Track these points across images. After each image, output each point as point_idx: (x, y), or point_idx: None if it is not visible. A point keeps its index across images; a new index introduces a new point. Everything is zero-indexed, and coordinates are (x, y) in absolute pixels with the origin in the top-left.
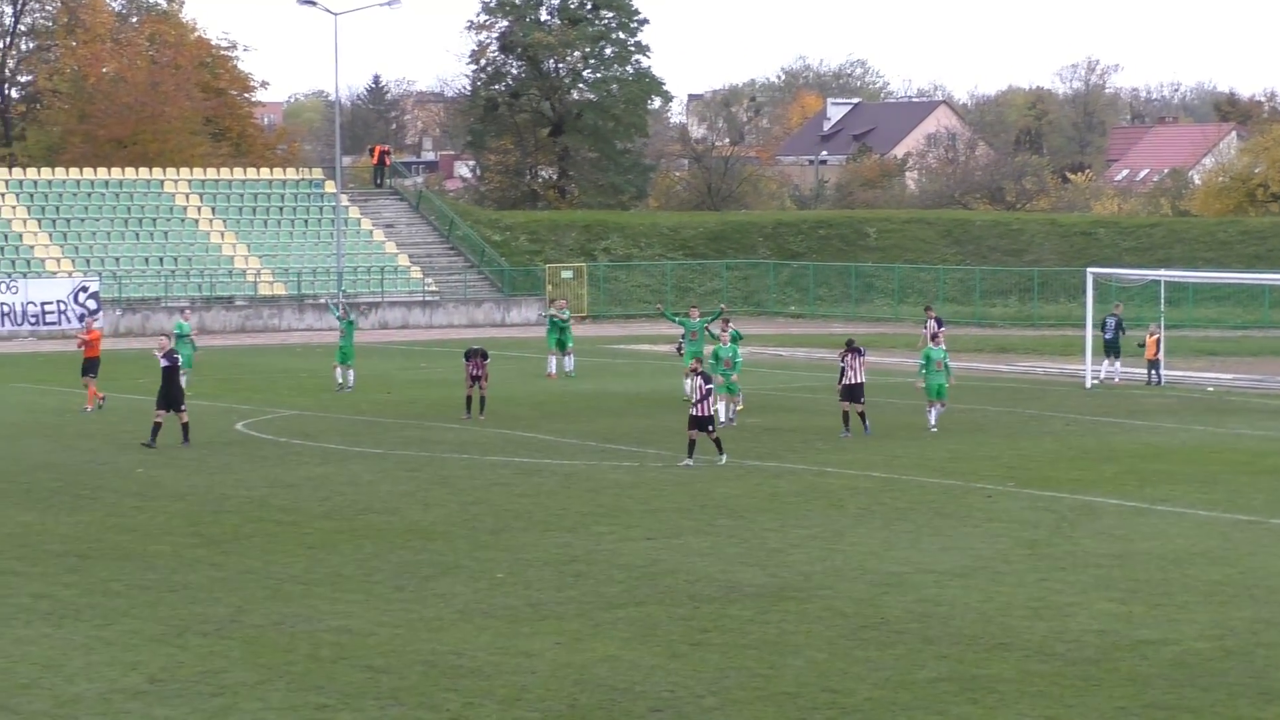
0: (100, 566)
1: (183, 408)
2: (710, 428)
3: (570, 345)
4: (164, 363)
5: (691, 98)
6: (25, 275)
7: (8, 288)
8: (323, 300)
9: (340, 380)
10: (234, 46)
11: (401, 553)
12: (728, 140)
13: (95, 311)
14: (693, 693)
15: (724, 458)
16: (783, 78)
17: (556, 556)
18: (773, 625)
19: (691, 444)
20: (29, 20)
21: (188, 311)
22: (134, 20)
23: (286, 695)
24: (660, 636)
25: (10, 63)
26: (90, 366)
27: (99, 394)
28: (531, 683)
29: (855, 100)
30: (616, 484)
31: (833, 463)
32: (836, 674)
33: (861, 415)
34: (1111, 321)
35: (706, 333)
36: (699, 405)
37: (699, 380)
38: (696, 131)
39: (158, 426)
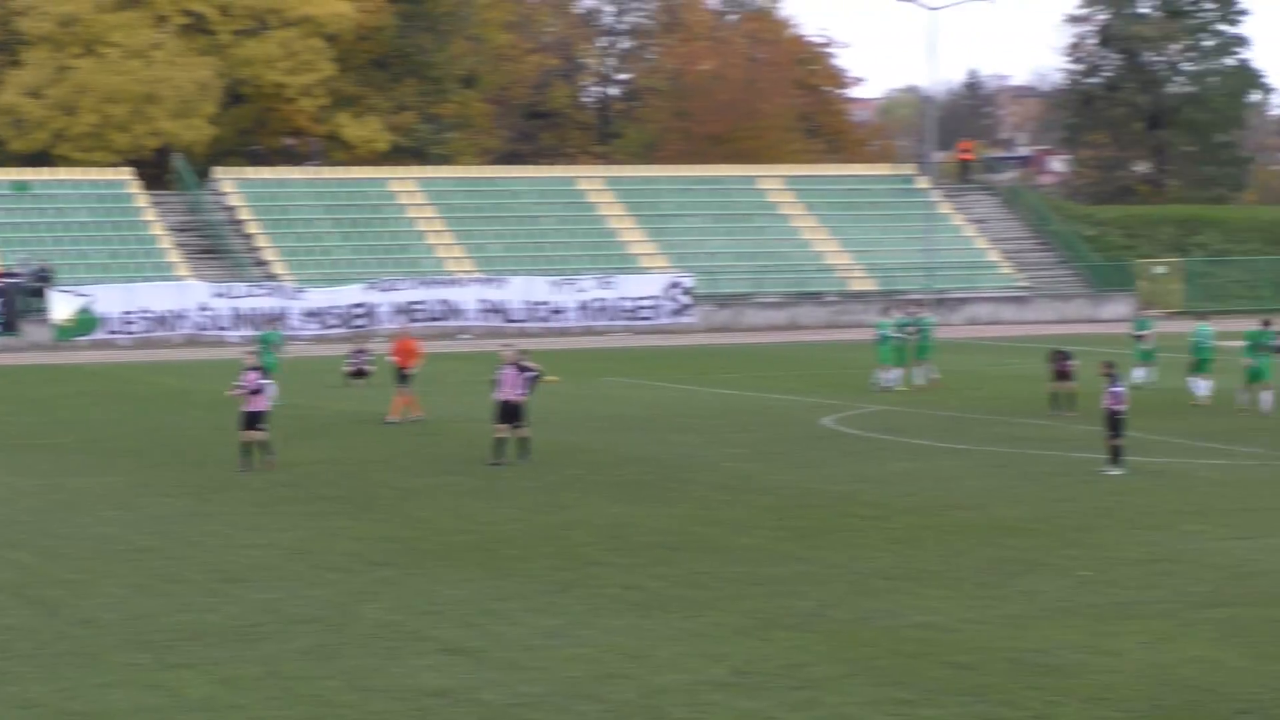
0: (689, 558)
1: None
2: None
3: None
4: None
5: None
6: (620, 271)
7: (604, 283)
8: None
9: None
10: (829, 44)
11: (986, 549)
12: None
13: (401, 316)
14: None
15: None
16: None
17: (1143, 555)
18: None
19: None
20: (629, 20)
21: None
22: (731, 18)
23: (869, 690)
24: (1248, 638)
25: (611, 61)
26: (403, 377)
27: (415, 408)
28: (1115, 682)
29: None
30: (1207, 482)
31: None
32: None
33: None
34: None
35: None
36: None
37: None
38: None
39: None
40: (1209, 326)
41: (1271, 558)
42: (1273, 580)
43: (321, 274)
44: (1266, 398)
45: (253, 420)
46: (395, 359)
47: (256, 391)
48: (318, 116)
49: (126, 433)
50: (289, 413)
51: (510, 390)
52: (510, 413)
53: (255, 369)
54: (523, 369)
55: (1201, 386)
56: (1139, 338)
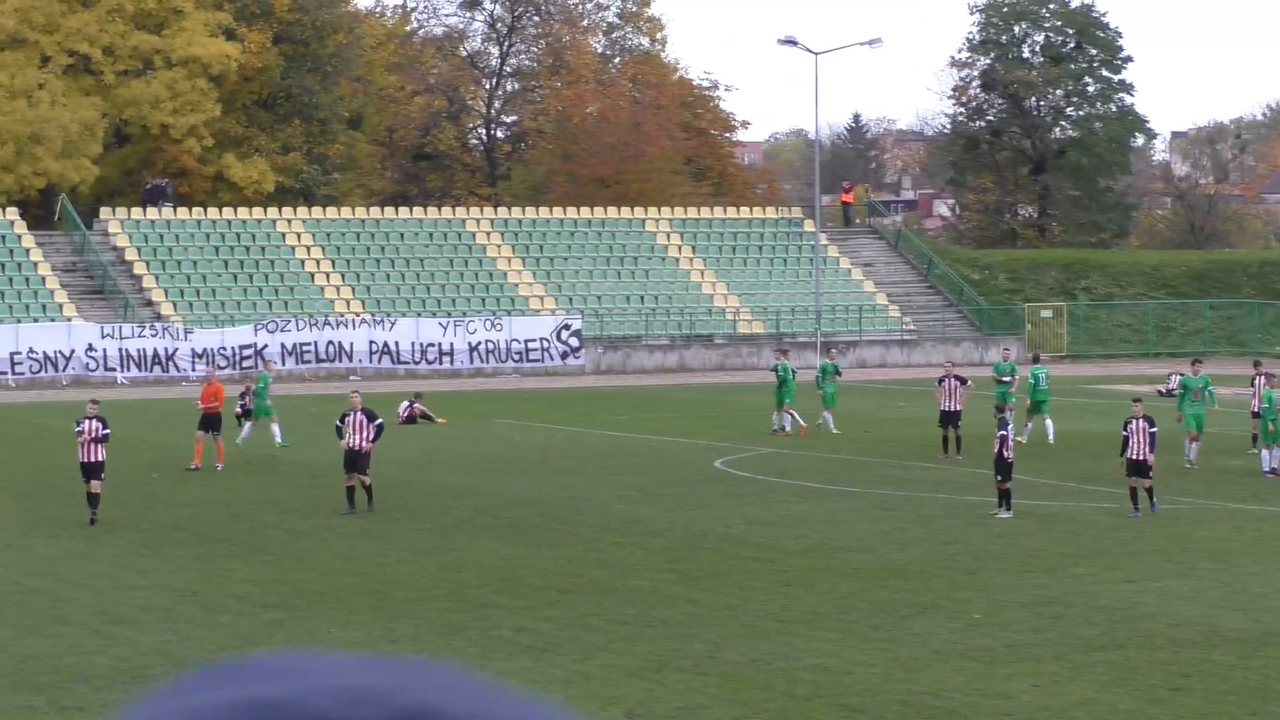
0: (580, 601)
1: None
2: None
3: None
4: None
5: (1175, 135)
6: (510, 313)
7: (493, 325)
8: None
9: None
10: (715, 86)
11: (878, 591)
12: (1212, 178)
13: (209, 360)
14: None
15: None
16: (1268, 114)
17: (1034, 598)
18: (1255, 671)
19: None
20: (514, 62)
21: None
22: (616, 61)
23: None
24: (1139, 680)
25: (497, 104)
26: (211, 423)
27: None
28: None
29: None
30: (1096, 525)
31: None
32: None
33: (1149, 491)
34: None
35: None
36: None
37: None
38: (1180, 169)
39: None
40: (1044, 369)
41: (1159, 600)
42: (1161, 622)
43: (210, 315)
44: (1194, 448)
45: (92, 471)
46: (201, 403)
47: (99, 440)
48: (203, 157)
49: (13, 474)
50: (180, 455)
51: (357, 437)
52: (355, 461)
53: (96, 418)
54: (370, 416)
55: (1033, 427)
56: (1001, 381)
